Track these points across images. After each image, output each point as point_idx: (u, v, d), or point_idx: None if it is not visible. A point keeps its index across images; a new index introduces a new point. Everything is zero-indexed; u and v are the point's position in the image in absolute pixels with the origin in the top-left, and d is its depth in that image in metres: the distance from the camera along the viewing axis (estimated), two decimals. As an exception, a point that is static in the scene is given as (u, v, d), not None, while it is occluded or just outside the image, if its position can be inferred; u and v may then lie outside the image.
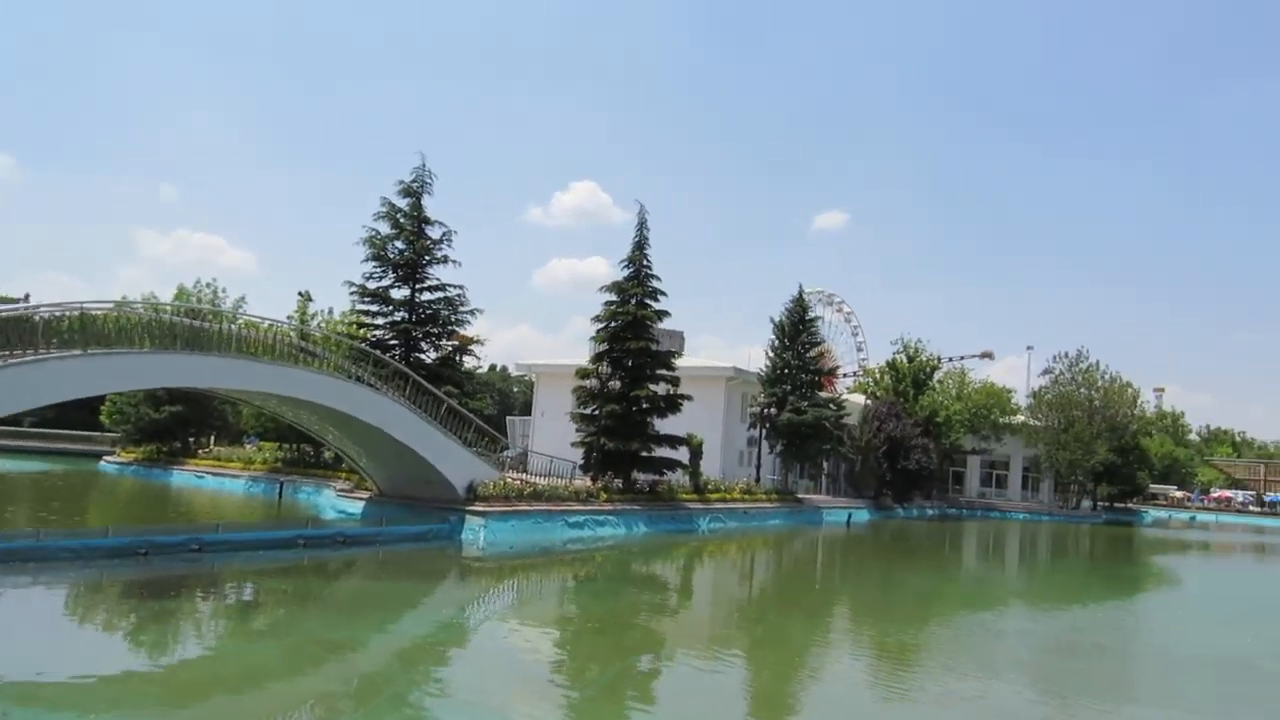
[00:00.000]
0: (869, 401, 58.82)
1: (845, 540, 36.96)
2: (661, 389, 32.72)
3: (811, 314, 49.06)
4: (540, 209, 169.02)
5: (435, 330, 34.80)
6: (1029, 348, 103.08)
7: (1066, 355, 69.82)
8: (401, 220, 33.73)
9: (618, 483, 30.87)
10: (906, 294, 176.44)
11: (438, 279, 34.55)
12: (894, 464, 51.37)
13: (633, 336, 32.07)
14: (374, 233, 33.60)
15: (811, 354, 46.06)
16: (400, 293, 34.40)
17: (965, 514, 60.90)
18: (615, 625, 15.01)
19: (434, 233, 34.32)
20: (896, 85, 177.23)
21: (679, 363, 35.13)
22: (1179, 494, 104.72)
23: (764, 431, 43.25)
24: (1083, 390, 68.26)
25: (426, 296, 34.51)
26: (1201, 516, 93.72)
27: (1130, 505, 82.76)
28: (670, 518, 31.11)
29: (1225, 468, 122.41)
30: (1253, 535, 70.02)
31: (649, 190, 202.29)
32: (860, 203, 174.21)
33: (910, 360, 63.88)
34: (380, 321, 34.67)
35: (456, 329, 35.40)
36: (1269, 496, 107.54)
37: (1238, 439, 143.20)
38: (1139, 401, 76.49)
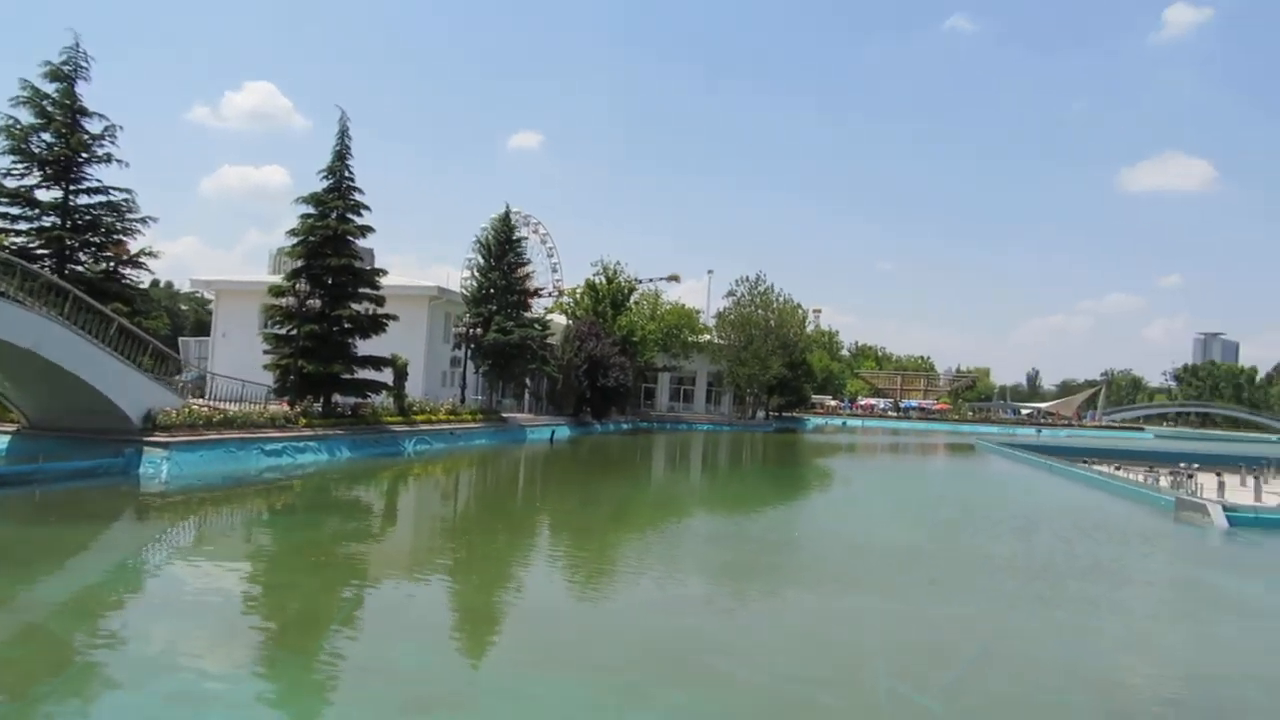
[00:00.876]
0: (570, 322, 60.26)
1: (548, 456, 38.07)
2: (364, 308, 31.38)
3: (518, 234, 49.03)
4: (208, 109, 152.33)
5: (97, 240, 30.54)
6: (709, 271, 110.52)
7: (747, 279, 75.70)
8: (49, 109, 28.96)
9: (318, 407, 29.40)
10: (597, 216, 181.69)
11: (98, 180, 30.18)
12: (594, 382, 53.34)
13: (333, 253, 30.41)
14: (12, 121, 28.60)
15: (518, 274, 46.17)
16: (50, 194, 29.73)
17: (657, 427, 64.84)
18: (316, 554, 14.48)
19: (93, 126, 29.77)
20: (587, 8, 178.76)
21: (380, 281, 33.78)
22: (833, 402, 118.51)
23: (469, 351, 43.00)
24: (760, 311, 74.44)
25: (85, 200, 30.10)
26: (851, 422, 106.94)
27: (795, 414, 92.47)
28: (375, 441, 30.27)
29: (870, 379, 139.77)
30: (891, 437, 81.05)
31: (335, 100, 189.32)
32: (553, 125, 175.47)
33: (609, 282, 66.04)
34: (24, 227, 29.80)
35: (123, 239, 31.32)
36: (904, 403, 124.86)
37: (879, 354, 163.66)
38: (806, 321, 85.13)
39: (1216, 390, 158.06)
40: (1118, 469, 38.24)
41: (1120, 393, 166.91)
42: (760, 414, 79.51)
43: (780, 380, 74.83)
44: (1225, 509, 22.31)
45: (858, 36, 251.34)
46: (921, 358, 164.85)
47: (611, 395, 55.61)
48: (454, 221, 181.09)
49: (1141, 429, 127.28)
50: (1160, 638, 11.49)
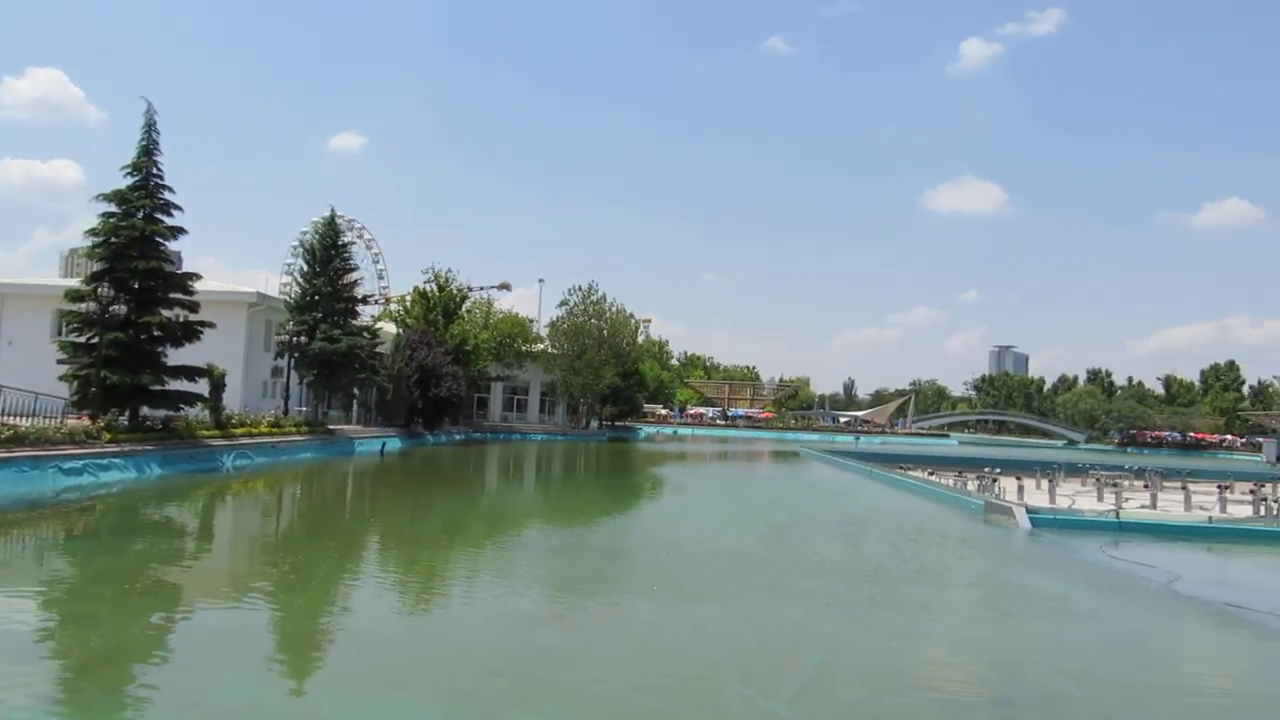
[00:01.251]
0: (400, 330, 58.55)
1: (379, 469, 36.72)
2: (176, 315, 29.26)
3: (344, 238, 47.17)
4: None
5: None
6: (540, 280, 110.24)
7: (580, 288, 76.13)
8: None
9: (124, 420, 27.11)
10: (426, 222, 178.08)
11: None
12: (425, 392, 52.00)
13: (140, 255, 28.15)
14: None
15: (345, 280, 44.40)
16: None
17: (490, 437, 63.96)
18: (123, 581, 13.21)
19: None
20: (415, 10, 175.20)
21: (194, 286, 31.59)
22: (664, 411, 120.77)
23: (293, 361, 40.91)
24: (593, 321, 74.95)
25: None
26: (682, 430, 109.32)
27: (628, 423, 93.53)
28: (189, 457, 28.21)
29: (698, 388, 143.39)
30: (720, 445, 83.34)
31: (132, 90, 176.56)
32: (376, 127, 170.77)
33: (441, 290, 64.66)
34: None
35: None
36: (731, 411, 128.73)
37: (708, 364, 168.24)
38: (639, 331, 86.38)
39: (1010, 399, 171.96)
40: (931, 474, 40.75)
41: (927, 401, 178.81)
42: (594, 423, 79.90)
43: (613, 390, 75.56)
44: (1028, 511, 24.16)
45: (683, 52, 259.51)
46: (748, 367, 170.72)
47: (444, 405, 54.39)
48: (269, 225, 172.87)
49: (947, 435, 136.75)
50: (986, 637, 12.20)
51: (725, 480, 44.24)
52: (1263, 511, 25.69)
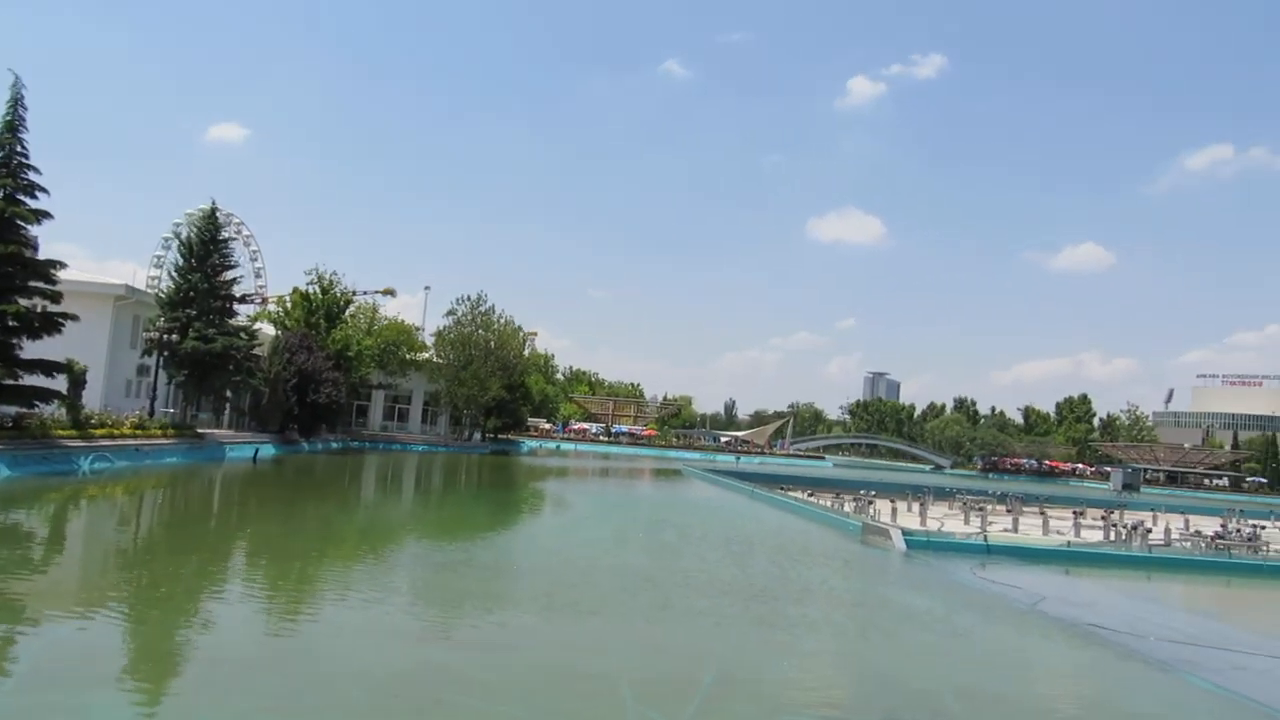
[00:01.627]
0: (279, 333, 56.38)
1: (251, 477, 35.12)
2: (34, 305, 27.39)
3: (224, 233, 45.15)
4: None
5: None
6: (426, 287, 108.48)
7: (468, 298, 74.95)
8: None
9: (-32, 417, 25.13)
10: (306, 221, 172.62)
11: None
12: (303, 397, 50.18)
13: (-2, 238, 26.23)
14: None
15: (223, 277, 42.46)
16: None
17: (369, 446, 62.15)
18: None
19: None
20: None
21: (57, 275, 29.63)
22: (548, 425, 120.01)
23: (161, 360, 38.80)
24: (480, 332, 73.91)
25: None
26: (565, 445, 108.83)
27: (511, 436, 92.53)
28: (42, 458, 26.33)
29: (583, 403, 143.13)
30: (603, 461, 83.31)
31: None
32: (261, 119, 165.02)
33: (324, 292, 62.68)
34: None
35: None
36: (615, 428, 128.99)
37: (592, 379, 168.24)
38: (526, 343, 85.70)
39: (882, 424, 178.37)
40: (810, 495, 41.81)
41: (804, 424, 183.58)
42: (476, 436, 78.68)
43: (498, 402, 74.62)
44: (904, 533, 25.02)
45: (580, 70, 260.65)
46: (632, 384, 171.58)
47: (322, 412, 52.57)
48: (135, 215, 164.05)
49: (823, 458, 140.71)
50: (872, 655, 12.51)
51: (612, 497, 44.20)
52: (1112, 536, 27.38)
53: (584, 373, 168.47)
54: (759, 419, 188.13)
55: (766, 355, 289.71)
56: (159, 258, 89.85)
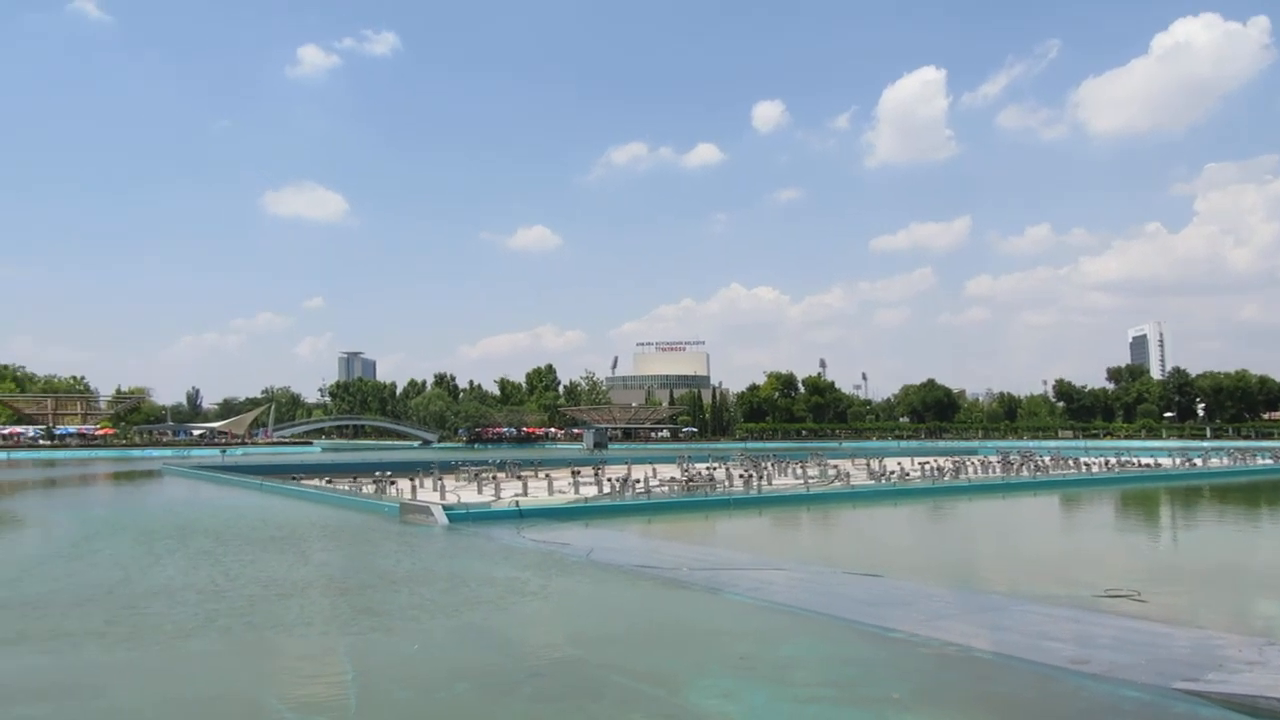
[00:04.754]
0: None
1: None
2: None
3: None
4: None
5: None
6: None
7: None
8: None
9: None
10: None
11: None
12: None
13: None
14: None
15: None
16: None
17: None
18: None
19: None
20: None
21: None
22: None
23: None
24: None
25: None
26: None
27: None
28: None
29: (11, 404, 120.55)
30: (49, 469, 71.24)
31: None
32: None
33: None
34: None
35: None
36: (59, 429, 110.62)
37: (18, 374, 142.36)
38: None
39: (365, 404, 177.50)
40: (329, 482, 41.04)
41: (284, 410, 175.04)
42: None
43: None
44: (445, 508, 26.20)
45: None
46: (74, 378, 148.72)
47: None
48: None
49: (310, 443, 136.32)
50: (490, 624, 13.28)
51: (95, 508, 38.43)
52: (606, 489, 31.63)
53: (6, 368, 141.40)
54: (229, 408, 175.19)
55: (228, 338, 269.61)
56: None
